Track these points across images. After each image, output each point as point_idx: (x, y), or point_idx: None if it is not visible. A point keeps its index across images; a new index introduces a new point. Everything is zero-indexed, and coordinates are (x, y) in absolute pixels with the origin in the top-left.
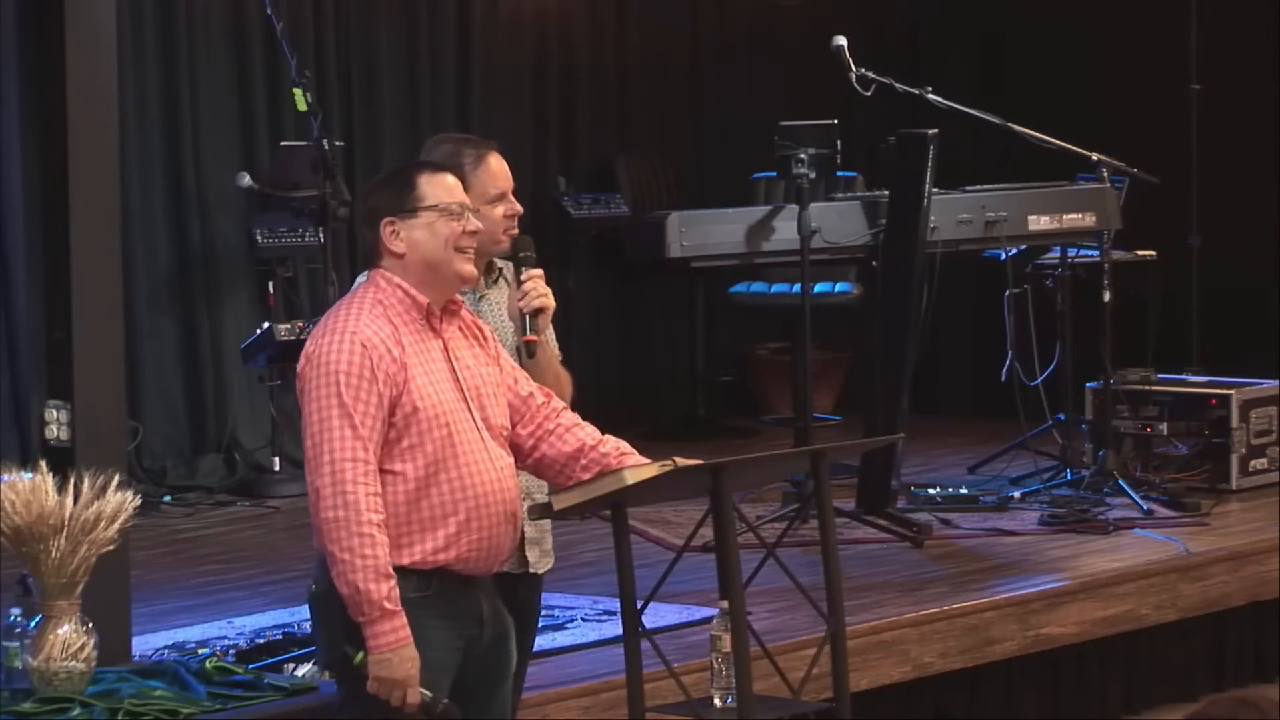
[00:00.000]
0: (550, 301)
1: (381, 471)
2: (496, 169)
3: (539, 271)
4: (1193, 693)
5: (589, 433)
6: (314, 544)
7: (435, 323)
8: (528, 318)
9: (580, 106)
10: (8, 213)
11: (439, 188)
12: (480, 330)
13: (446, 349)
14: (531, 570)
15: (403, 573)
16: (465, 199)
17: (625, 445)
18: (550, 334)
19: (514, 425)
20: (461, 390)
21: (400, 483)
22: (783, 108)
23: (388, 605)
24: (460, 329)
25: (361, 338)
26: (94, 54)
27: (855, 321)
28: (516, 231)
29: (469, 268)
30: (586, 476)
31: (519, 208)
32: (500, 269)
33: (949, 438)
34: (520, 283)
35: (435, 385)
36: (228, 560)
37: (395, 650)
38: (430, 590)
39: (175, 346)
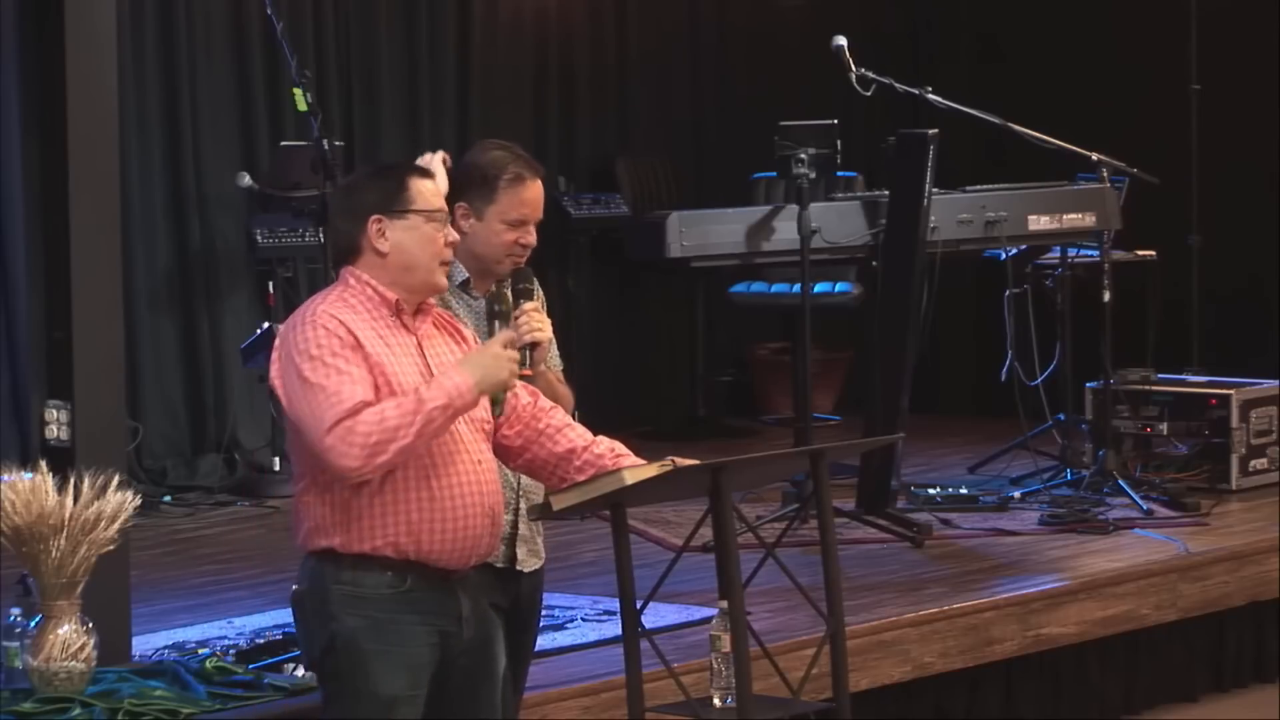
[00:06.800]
0: (545, 335)
1: None
2: (530, 196)
3: (534, 305)
4: (1193, 693)
5: (580, 433)
6: (296, 542)
7: (406, 319)
8: (524, 351)
9: (580, 106)
10: (8, 213)
11: (427, 192)
12: (458, 330)
13: (420, 345)
14: (518, 568)
15: (375, 562)
16: (445, 208)
17: (620, 446)
18: (553, 349)
19: (501, 426)
20: None
21: None
22: (783, 108)
23: (436, 394)
24: (436, 326)
25: (329, 320)
26: (94, 54)
27: (855, 321)
28: (522, 261)
29: (443, 280)
30: (582, 478)
31: (534, 240)
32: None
33: (949, 438)
34: (516, 316)
35: (406, 375)
36: (228, 560)
37: (476, 376)
38: (406, 586)
39: (175, 346)
